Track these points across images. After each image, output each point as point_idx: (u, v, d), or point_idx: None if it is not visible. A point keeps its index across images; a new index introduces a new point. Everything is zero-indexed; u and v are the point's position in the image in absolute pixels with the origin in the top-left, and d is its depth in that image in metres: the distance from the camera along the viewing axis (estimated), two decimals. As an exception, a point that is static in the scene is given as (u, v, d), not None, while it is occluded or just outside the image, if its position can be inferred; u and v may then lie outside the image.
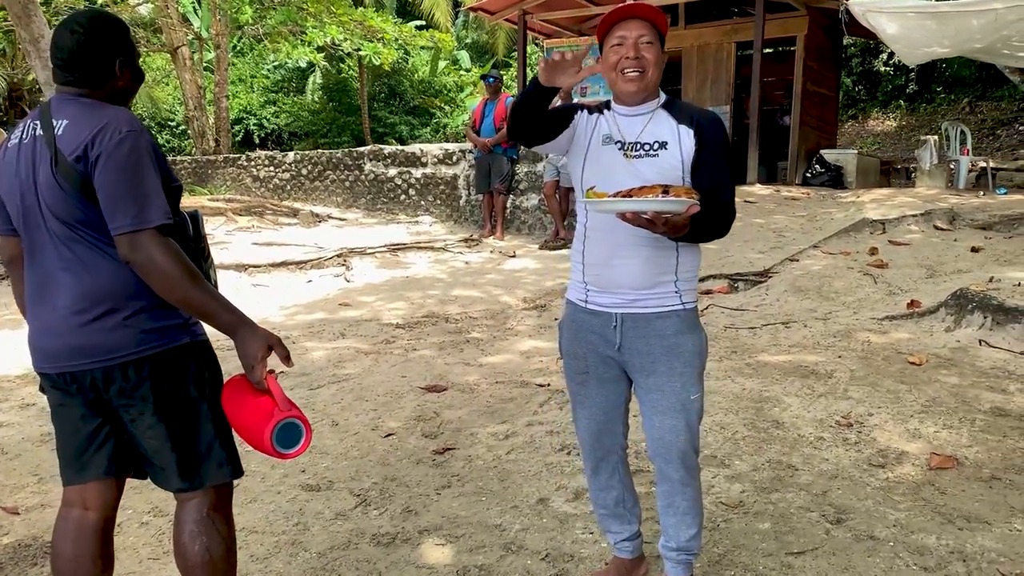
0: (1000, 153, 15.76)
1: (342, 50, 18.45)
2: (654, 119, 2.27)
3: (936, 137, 12.21)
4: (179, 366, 2.07)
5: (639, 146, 2.25)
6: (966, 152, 11.72)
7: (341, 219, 11.49)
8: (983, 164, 12.47)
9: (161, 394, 2.04)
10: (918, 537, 2.82)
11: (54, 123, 1.97)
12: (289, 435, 1.92)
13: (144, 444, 2.09)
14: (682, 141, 2.24)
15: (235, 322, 1.98)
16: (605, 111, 2.34)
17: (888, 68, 19.80)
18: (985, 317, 4.88)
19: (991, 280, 5.52)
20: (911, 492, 3.15)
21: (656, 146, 2.24)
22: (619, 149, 2.26)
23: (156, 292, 1.95)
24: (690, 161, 2.23)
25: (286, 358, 1.98)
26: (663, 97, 2.33)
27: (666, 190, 2.01)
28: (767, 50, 12.36)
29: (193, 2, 19.93)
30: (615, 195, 2.07)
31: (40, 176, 1.97)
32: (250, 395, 2.00)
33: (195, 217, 2.18)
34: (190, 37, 18.67)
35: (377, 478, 3.52)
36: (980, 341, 4.75)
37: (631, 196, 2.02)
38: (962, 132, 11.90)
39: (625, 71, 2.23)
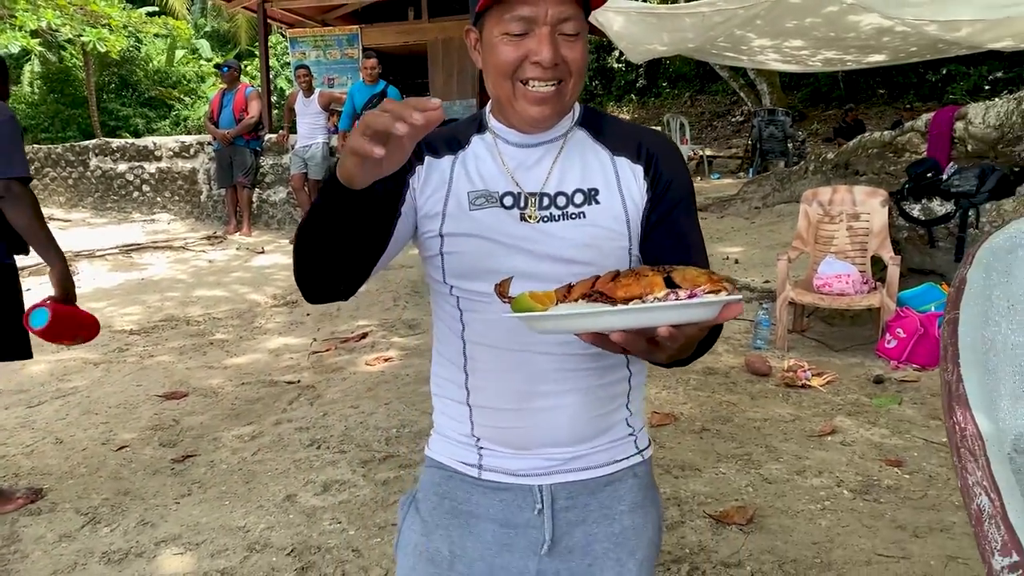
0: (716, 142, 17.51)
1: (61, 36, 16.82)
2: (568, 148, 1.34)
3: (660, 128, 13.32)
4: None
5: (548, 200, 1.31)
6: (685, 142, 12.89)
7: (65, 220, 10.50)
8: (701, 152, 13.79)
9: None
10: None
11: None
12: (38, 316, 2.90)
13: None
14: (624, 186, 1.33)
15: (54, 258, 3.10)
16: (472, 140, 1.37)
17: (620, 64, 21.26)
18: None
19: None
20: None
21: (580, 197, 1.31)
22: (509, 207, 1.30)
23: (12, 223, 3.06)
24: (639, 220, 1.32)
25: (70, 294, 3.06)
26: (578, 109, 1.38)
27: (671, 282, 1.05)
28: (507, 45, 12.79)
29: None
30: (563, 297, 1.08)
31: None
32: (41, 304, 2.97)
33: None
34: None
35: (108, 494, 3.29)
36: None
37: (585, 296, 1.06)
38: (682, 124, 13.07)
39: (530, 84, 1.24)
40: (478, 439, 1.40)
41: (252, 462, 3.57)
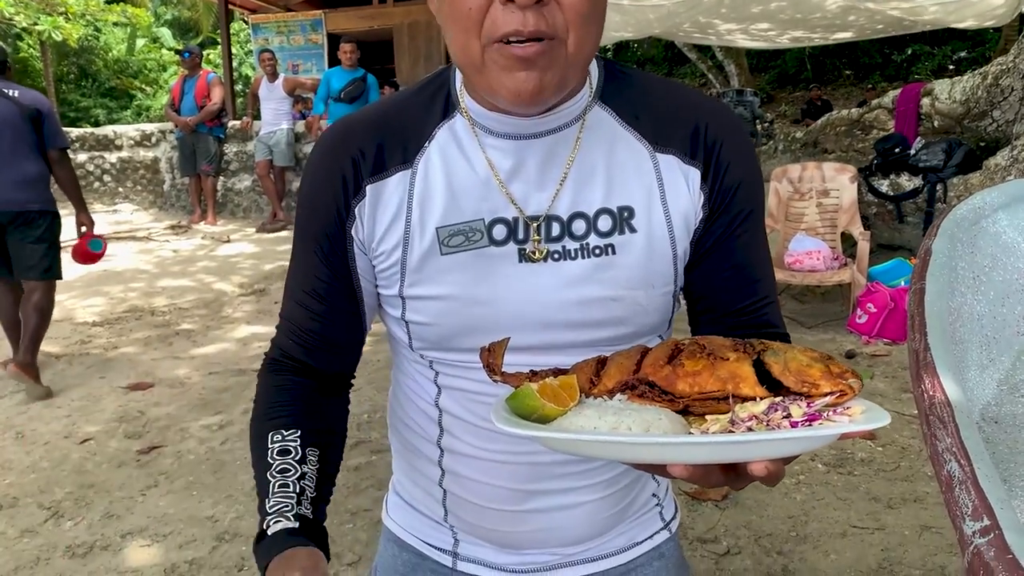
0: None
1: (16, 25, 16.43)
2: (587, 141, 0.91)
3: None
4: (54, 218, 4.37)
5: (560, 226, 0.91)
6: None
7: (26, 212, 10.27)
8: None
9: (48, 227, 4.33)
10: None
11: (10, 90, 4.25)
12: (96, 244, 4.64)
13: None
14: (670, 199, 0.92)
15: (81, 205, 4.52)
16: (435, 133, 0.93)
17: (587, 48, 21.17)
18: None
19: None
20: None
21: (607, 222, 0.91)
22: (501, 242, 0.90)
23: (59, 178, 4.37)
24: (689, 242, 0.94)
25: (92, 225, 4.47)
26: (596, 73, 0.94)
27: (719, 358, 0.73)
28: (474, 28, 12.70)
29: None
30: (590, 383, 0.77)
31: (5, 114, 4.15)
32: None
33: None
34: None
35: (72, 487, 3.20)
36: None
37: (626, 386, 0.75)
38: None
39: (508, 40, 0.78)
40: (452, 529, 1.07)
41: (220, 452, 3.49)
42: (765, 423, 0.66)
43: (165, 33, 24.74)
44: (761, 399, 0.69)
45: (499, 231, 0.90)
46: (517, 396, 0.73)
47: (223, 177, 9.67)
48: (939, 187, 4.87)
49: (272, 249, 7.99)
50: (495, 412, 0.72)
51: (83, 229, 4.55)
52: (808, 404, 0.67)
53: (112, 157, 10.44)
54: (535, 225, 0.89)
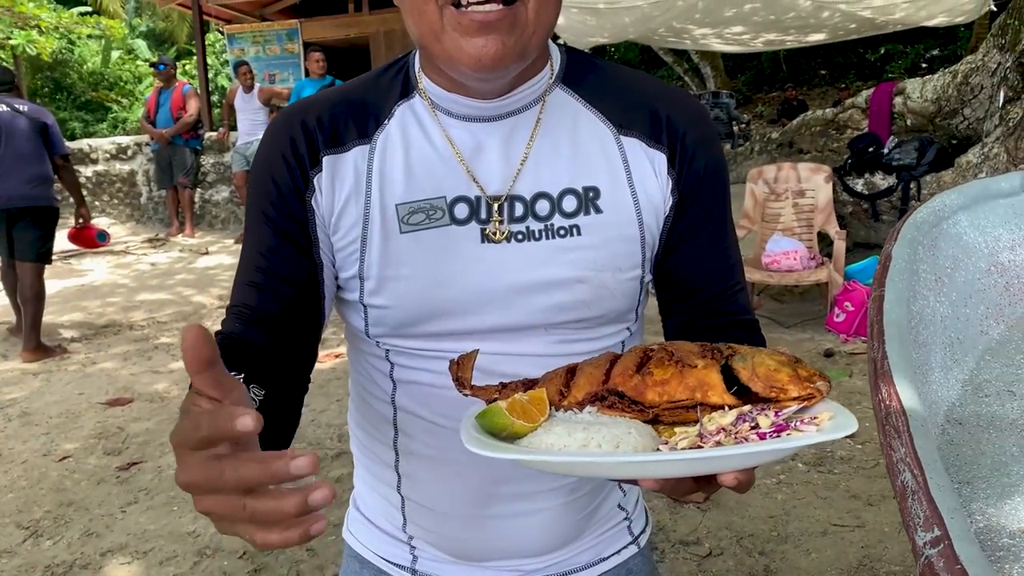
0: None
1: (-11, 39, 16.27)
2: (549, 120, 0.90)
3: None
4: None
5: (523, 206, 0.89)
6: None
7: None
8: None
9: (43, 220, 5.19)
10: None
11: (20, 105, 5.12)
12: (103, 236, 6.84)
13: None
14: (637, 182, 0.90)
15: (82, 200, 5.73)
16: (394, 112, 0.91)
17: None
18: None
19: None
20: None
21: (572, 202, 0.89)
22: (463, 221, 0.88)
23: (64, 180, 5.39)
24: (658, 234, 0.93)
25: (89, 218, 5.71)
26: (558, 55, 0.94)
27: (652, 356, 0.74)
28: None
29: None
30: (559, 395, 0.76)
31: (17, 126, 5.02)
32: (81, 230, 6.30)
33: None
34: None
35: (51, 506, 3.17)
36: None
37: (594, 398, 0.74)
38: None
39: (463, 4, 0.77)
40: (411, 537, 1.03)
41: (201, 466, 3.47)
42: (733, 435, 0.66)
43: (140, 45, 24.56)
44: (730, 407, 0.69)
45: (461, 210, 0.87)
46: (486, 414, 0.72)
47: (200, 189, 9.61)
48: (913, 185, 4.93)
49: (251, 260, 7.95)
50: (465, 432, 0.71)
51: (81, 221, 5.92)
52: (776, 413, 0.67)
53: (88, 171, 10.34)
54: (497, 205, 0.87)
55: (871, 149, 5.30)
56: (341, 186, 0.88)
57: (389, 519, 1.04)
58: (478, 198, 0.87)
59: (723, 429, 0.67)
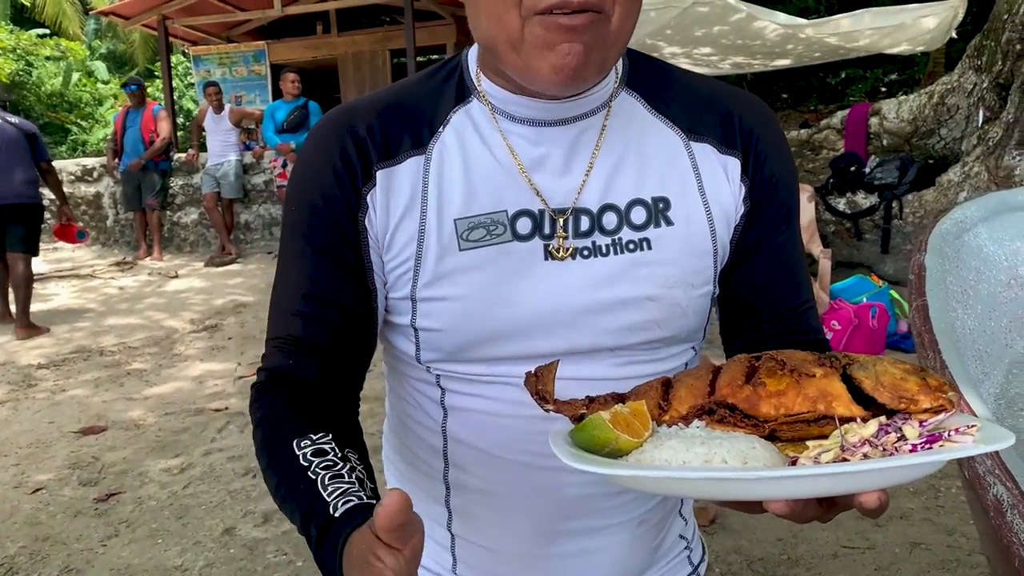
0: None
1: (-56, 60, 15.94)
2: (615, 128, 0.84)
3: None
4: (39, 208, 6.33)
5: (589, 220, 0.83)
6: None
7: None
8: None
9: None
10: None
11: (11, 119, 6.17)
12: (82, 234, 7.32)
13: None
14: (709, 191, 0.85)
15: (64, 200, 6.69)
16: (450, 118, 0.84)
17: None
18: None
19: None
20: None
21: (641, 214, 0.83)
22: (526, 237, 0.82)
23: (49, 182, 6.42)
24: (729, 240, 0.87)
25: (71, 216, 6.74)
26: (621, 60, 0.87)
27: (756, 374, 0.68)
28: (420, 58, 12.73)
29: None
30: (658, 408, 0.70)
31: (11, 136, 6.01)
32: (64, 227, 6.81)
33: None
34: None
35: (26, 541, 3.01)
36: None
37: (700, 411, 0.68)
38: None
39: (548, 13, 0.70)
40: (455, 566, 0.95)
41: (184, 496, 3.33)
42: (880, 448, 0.60)
43: (100, 67, 24.20)
44: (861, 419, 0.63)
45: (523, 225, 0.81)
46: (586, 427, 0.64)
47: (169, 211, 9.42)
48: (895, 204, 4.96)
49: (222, 283, 7.79)
50: (557, 447, 0.64)
51: (65, 219, 6.64)
52: (920, 424, 0.61)
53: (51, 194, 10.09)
54: (562, 219, 0.81)
55: (852, 168, 5.35)
56: (397, 201, 0.81)
57: (436, 559, 0.96)
58: (541, 212, 0.81)
59: (867, 441, 0.60)
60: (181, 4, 11.37)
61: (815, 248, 4.92)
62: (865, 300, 4.67)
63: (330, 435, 0.78)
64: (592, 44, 0.72)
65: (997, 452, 1.14)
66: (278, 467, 0.78)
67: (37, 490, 3.47)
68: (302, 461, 0.75)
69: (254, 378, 0.88)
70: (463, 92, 0.84)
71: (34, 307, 7.26)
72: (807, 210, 5.00)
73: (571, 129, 0.82)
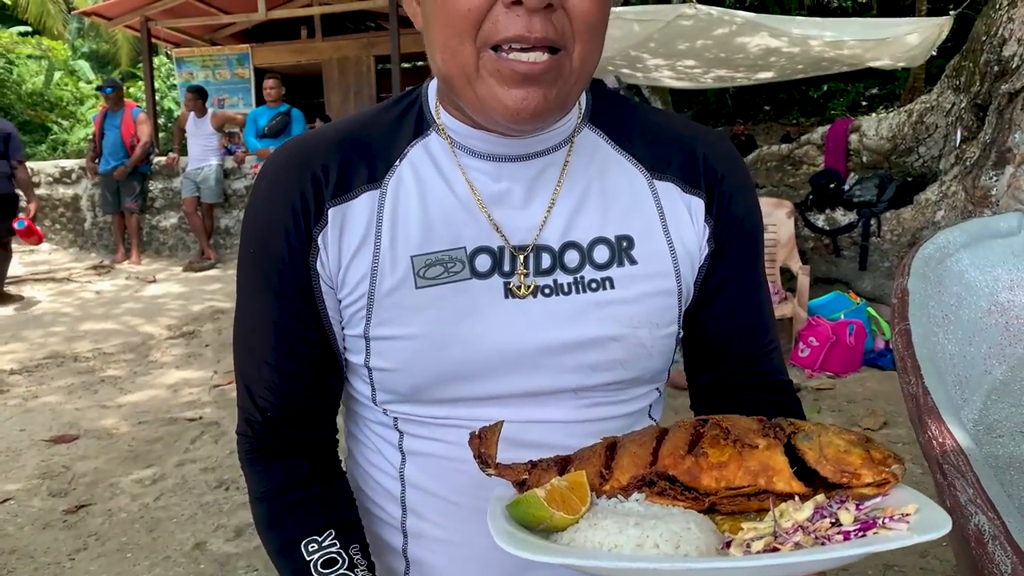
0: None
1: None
2: (577, 163, 0.83)
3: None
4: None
5: (551, 258, 0.81)
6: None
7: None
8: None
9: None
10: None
11: None
12: (20, 223, 7.13)
13: None
14: (673, 230, 0.84)
15: (33, 196, 7.35)
16: (407, 152, 0.82)
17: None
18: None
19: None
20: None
21: (604, 252, 0.81)
22: (485, 275, 0.80)
23: (19, 178, 7.08)
24: (694, 282, 0.86)
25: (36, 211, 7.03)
26: (585, 95, 0.86)
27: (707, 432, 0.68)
28: (405, 64, 12.72)
29: None
30: (599, 478, 0.70)
31: None
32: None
33: None
34: None
35: (-9, 554, 2.97)
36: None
37: (640, 482, 0.68)
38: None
39: (504, 50, 0.70)
40: (408, 565, 0.92)
41: (155, 508, 3.29)
42: (812, 534, 0.60)
43: (83, 66, 24.03)
44: (799, 497, 0.63)
45: (482, 262, 0.79)
46: (520, 504, 0.64)
47: (148, 215, 9.34)
48: (873, 221, 5.00)
49: (200, 289, 7.73)
50: (494, 523, 0.64)
51: (32, 210, 7.23)
52: (857, 506, 0.61)
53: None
54: (522, 256, 0.79)
55: (832, 185, 5.39)
56: (349, 238, 0.79)
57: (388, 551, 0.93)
58: (501, 248, 0.79)
59: (800, 527, 0.60)
60: (164, 6, 11.32)
61: (794, 264, 4.94)
62: (843, 317, 4.69)
63: (333, 533, 0.82)
64: (552, 85, 0.71)
65: (978, 480, 1.14)
66: (286, 566, 0.83)
67: (5, 500, 3.42)
68: (313, 572, 0.81)
69: (231, 386, 0.90)
70: (422, 125, 0.83)
71: (7, 310, 7.20)
72: (786, 226, 5.02)
73: (532, 165, 0.80)
